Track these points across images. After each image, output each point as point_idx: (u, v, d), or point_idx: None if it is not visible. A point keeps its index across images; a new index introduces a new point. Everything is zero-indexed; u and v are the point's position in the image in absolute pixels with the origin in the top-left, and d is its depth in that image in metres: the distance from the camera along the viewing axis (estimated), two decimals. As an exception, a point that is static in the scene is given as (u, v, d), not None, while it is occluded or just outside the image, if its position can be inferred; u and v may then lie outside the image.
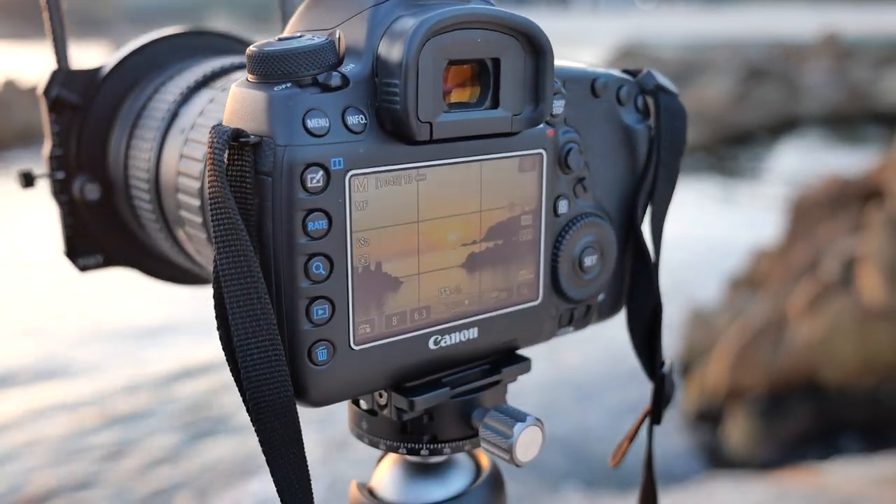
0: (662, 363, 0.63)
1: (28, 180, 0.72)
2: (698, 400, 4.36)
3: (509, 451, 0.51)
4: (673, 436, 4.26)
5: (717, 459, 4.04)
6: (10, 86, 13.62)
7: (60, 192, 0.70)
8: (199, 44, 0.75)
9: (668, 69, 14.62)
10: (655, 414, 0.63)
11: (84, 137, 0.71)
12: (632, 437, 0.64)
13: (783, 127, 13.62)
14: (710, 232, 7.73)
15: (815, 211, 5.48)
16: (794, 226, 5.49)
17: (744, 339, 4.35)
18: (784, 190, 8.47)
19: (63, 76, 0.70)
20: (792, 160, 11.53)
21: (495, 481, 0.60)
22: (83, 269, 0.73)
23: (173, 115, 0.65)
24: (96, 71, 0.71)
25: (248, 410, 0.44)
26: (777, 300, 4.57)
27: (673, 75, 13.93)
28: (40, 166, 0.74)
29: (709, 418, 4.31)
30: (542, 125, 0.53)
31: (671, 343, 4.98)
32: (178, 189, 0.62)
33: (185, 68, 0.71)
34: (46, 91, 0.69)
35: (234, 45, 0.77)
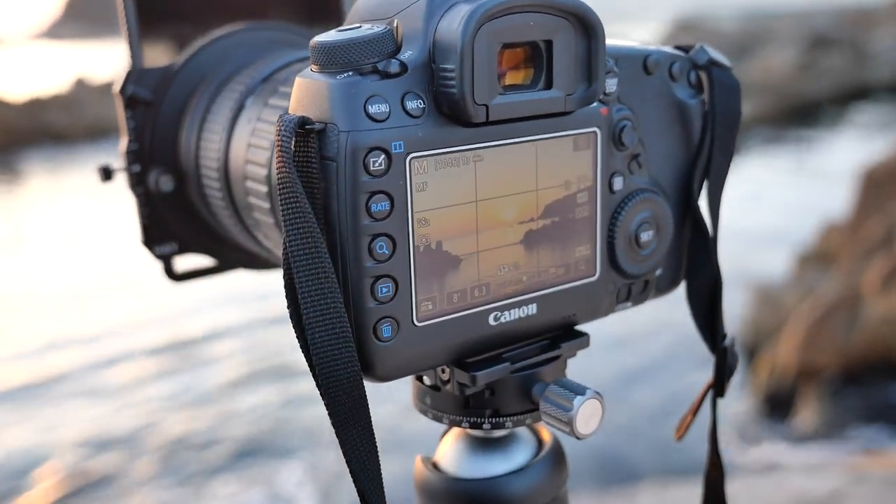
0: (724, 336, 0.63)
1: (107, 174, 0.76)
2: (767, 381, 4.28)
3: (570, 423, 0.53)
4: (742, 418, 4.20)
5: (789, 443, 3.97)
6: (81, 84, 14.04)
7: (137, 184, 0.74)
8: (264, 38, 0.78)
9: (729, 41, 14.35)
10: (718, 386, 0.63)
11: (157, 132, 0.74)
12: (696, 409, 0.64)
13: (852, 96, 13.26)
14: (776, 206, 7.58)
15: (887, 182, 5.33)
16: (864, 198, 5.35)
17: (815, 316, 4.26)
18: (853, 161, 8.27)
19: (137, 74, 0.73)
20: (862, 130, 11.22)
21: (557, 455, 0.61)
22: (160, 256, 0.77)
23: (240, 107, 0.68)
24: (167, 68, 0.74)
25: (317, 386, 0.46)
26: (850, 276, 4.46)
27: (735, 47, 13.74)
28: (111, 159, 0.78)
29: (779, 400, 4.23)
30: (595, 104, 0.54)
31: (736, 322, 4.91)
32: (247, 177, 0.64)
33: (250, 62, 0.73)
34: (122, 89, 0.73)
35: (297, 38, 0.79)
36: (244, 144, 0.65)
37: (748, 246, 6.39)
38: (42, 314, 5.88)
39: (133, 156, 0.73)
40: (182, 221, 0.76)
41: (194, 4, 0.79)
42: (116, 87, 0.73)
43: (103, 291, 6.18)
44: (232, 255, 0.79)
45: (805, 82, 12.82)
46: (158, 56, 0.76)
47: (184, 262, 0.79)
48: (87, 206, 8.33)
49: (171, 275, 0.78)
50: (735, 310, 4.97)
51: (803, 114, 12.07)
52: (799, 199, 7.94)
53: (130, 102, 0.73)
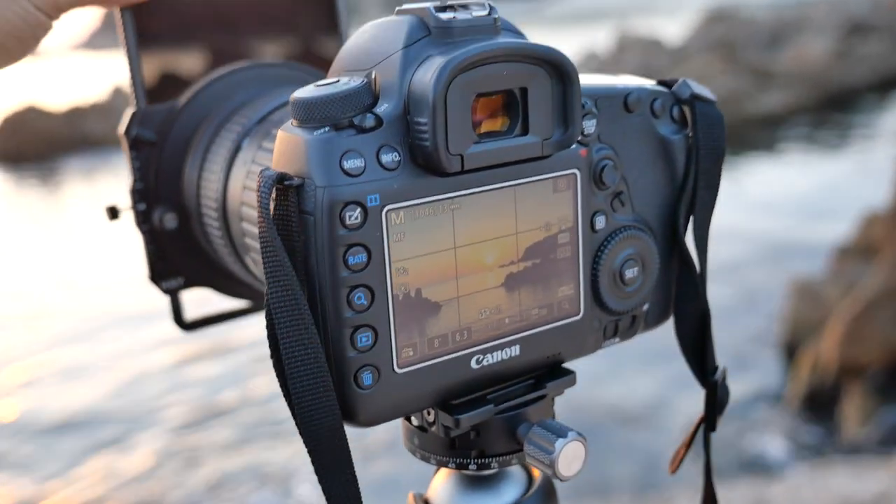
0: (715, 369, 0.63)
1: (113, 213, 0.77)
2: (809, 379, 4.20)
3: (552, 466, 0.53)
4: (783, 417, 4.15)
5: (832, 442, 3.90)
6: (118, 92, 14.26)
7: (143, 222, 0.76)
8: (265, 75, 0.79)
9: (762, 30, 14.16)
10: (710, 421, 0.63)
11: (161, 171, 0.76)
12: (688, 443, 0.65)
13: (891, 84, 13.01)
14: (814, 199, 7.47)
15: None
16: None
17: (857, 311, 4.17)
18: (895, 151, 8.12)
19: (141, 116, 0.75)
20: (901, 118, 11.01)
21: (547, 492, 0.62)
22: (166, 291, 0.78)
23: (237, 148, 0.70)
24: (171, 107, 0.76)
25: (300, 434, 0.48)
26: (892, 268, 4.36)
27: (768, 36, 13.52)
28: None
29: (821, 398, 4.15)
30: (574, 146, 0.54)
31: (775, 317, 4.85)
32: (242, 218, 0.66)
33: (250, 100, 0.75)
34: (126, 131, 0.74)
35: (300, 74, 0.81)
36: (240, 186, 0.67)
37: (785, 240, 6.31)
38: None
39: (138, 195, 0.75)
40: (187, 257, 0.77)
41: (197, 47, 0.80)
42: (121, 129, 0.75)
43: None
44: (237, 290, 0.80)
45: (842, 71, 12.61)
46: (163, 92, 0.78)
47: (193, 311, 0.81)
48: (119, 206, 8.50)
49: (182, 324, 0.81)
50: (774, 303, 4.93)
51: (841, 103, 11.87)
52: (836, 188, 7.81)
53: (135, 143, 0.74)
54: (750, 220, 6.90)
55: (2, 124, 12.95)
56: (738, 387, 4.31)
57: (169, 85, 0.78)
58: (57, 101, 13.91)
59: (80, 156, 12.26)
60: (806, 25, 14.36)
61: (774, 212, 7.12)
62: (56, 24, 0.64)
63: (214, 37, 0.81)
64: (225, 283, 0.80)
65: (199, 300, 0.85)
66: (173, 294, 0.79)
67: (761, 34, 14.13)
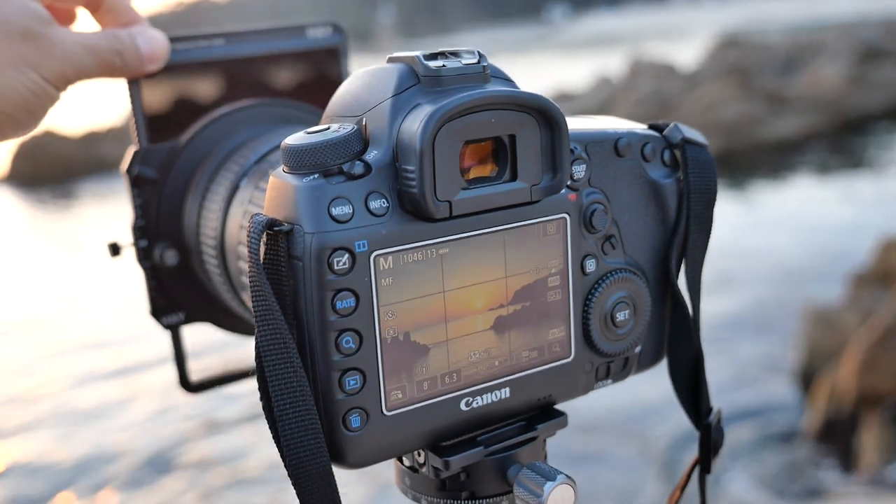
0: (709, 411, 0.63)
1: (115, 250, 0.78)
2: (826, 409, 4.16)
3: None
4: (799, 449, 4.11)
5: (849, 474, 3.85)
6: (132, 118, 14.38)
7: (144, 258, 0.77)
8: (266, 114, 0.80)
9: (776, 55, 14.15)
10: (704, 463, 0.63)
11: (162, 208, 0.77)
12: (683, 486, 0.65)
13: (906, 110, 12.95)
14: (830, 225, 7.43)
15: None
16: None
17: (874, 339, 4.12)
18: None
19: (142, 155, 0.76)
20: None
21: None
22: (167, 326, 0.79)
23: (235, 187, 0.71)
24: (172, 146, 0.77)
25: (289, 475, 0.48)
26: (911, 297, 4.31)
27: (782, 61, 13.51)
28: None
29: (838, 428, 4.10)
30: (563, 190, 0.55)
31: (791, 346, 4.82)
32: (239, 256, 0.67)
33: (250, 139, 0.76)
34: (128, 169, 0.76)
35: (301, 114, 0.82)
36: (237, 225, 0.68)
37: (801, 267, 6.28)
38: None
39: (140, 231, 0.76)
40: (188, 293, 0.78)
41: (200, 85, 0.81)
42: (123, 167, 0.76)
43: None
44: (236, 325, 0.81)
45: (856, 96, 12.58)
46: (166, 131, 0.79)
47: (198, 373, 0.82)
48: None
49: (188, 386, 0.81)
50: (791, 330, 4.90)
51: (855, 128, 11.83)
52: (854, 219, 7.78)
53: (136, 181, 0.76)
54: (763, 245, 6.87)
55: (19, 148, 13.10)
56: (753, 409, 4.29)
57: (172, 124, 0.79)
58: (73, 125, 14.06)
59: (95, 179, 12.37)
60: (820, 50, 14.35)
61: (788, 237, 7.09)
62: (63, 95, 0.66)
63: (218, 84, 0.82)
64: (224, 318, 0.80)
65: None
66: (174, 329, 0.80)
67: (775, 59, 14.12)
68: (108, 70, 0.68)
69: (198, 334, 0.91)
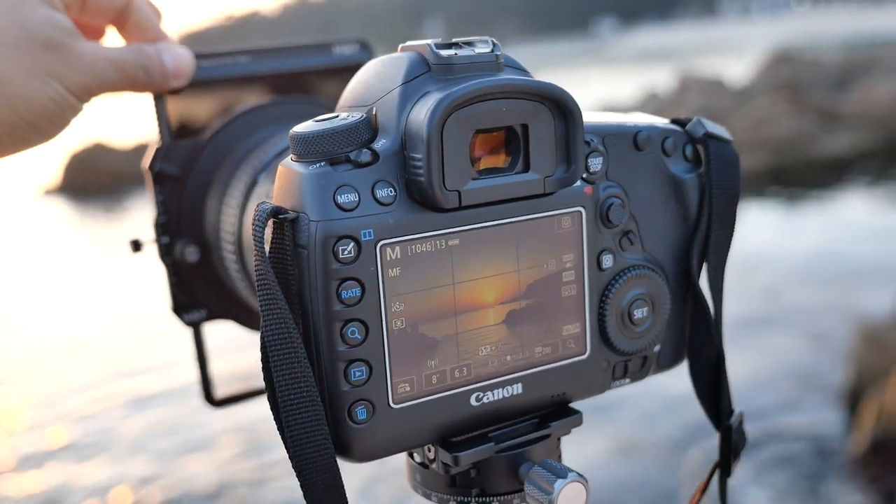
0: (730, 413, 0.61)
1: (136, 246, 0.79)
2: (874, 429, 4.06)
3: None
4: (844, 469, 4.01)
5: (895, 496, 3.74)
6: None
7: (165, 255, 0.77)
8: (287, 112, 0.80)
9: (829, 72, 13.92)
10: (725, 465, 0.61)
11: (184, 205, 0.77)
12: (703, 488, 0.63)
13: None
14: (883, 242, 7.27)
15: None
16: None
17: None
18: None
19: (165, 151, 0.76)
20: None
21: None
22: (189, 323, 0.79)
23: (254, 182, 0.71)
24: (195, 143, 0.77)
25: (293, 468, 0.47)
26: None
27: (835, 78, 13.29)
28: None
29: (888, 449, 4.00)
30: (579, 183, 0.54)
31: (839, 364, 4.72)
32: None
33: (270, 136, 0.76)
34: (151, 166, 0.76)
35: (324, 112, 0.81)
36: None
37: (851, 284, 6.15)
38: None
39: (161, 228, 0.76)
40: (209, 290, 0.78)
41: (223, 82, 0.82)
42: (145, 164, 0.76)
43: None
44: (256, 322, 0.81)
45: (911, 113, 12.30)
46: (190, 126, 0.79)
47: (224, 388, 0.82)
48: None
49: (212, 401, 0.81)
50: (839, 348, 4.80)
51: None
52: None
53: (158, 178, 0.76)
54: (814, 260, 6.76)
55: (70, 160, 13.40)
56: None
57: (194, 125, 0.79)
58: (123, 138, 14.32)
59: (144, 191, 12.59)
60: (873, 67, 14.07)
61: (839, 255, 6.95)
62: (86, 107, 0.67)
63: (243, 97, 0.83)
64: (245, 315, 0.80)
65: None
66: (195, 327, 0.80)
67: (828, 75, 13.88)
68: (133, 84, 0.68)
69: (220, 333, 0.91)
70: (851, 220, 8.31)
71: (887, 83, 12.96)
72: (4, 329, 6.59)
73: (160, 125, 0.77)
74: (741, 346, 4.89)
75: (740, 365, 4.57)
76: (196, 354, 0.82)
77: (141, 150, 13.74)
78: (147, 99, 0.76)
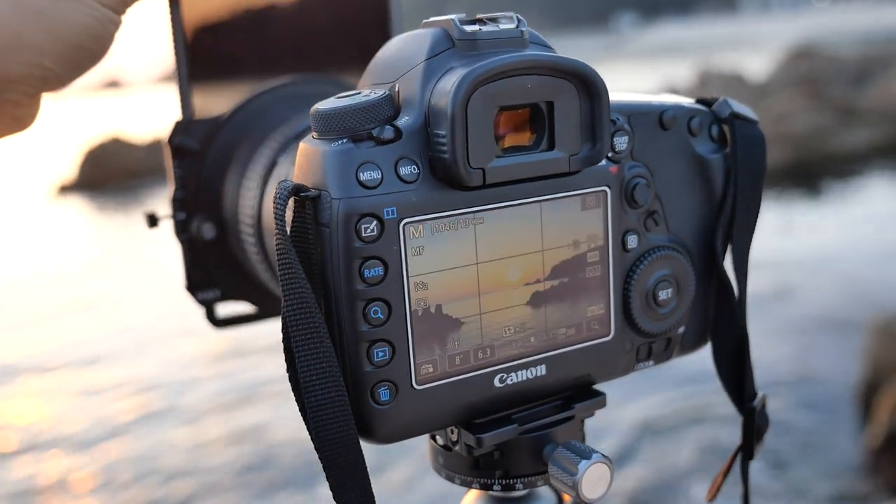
0: (754, 396, 0.61)
1: (153, 221, 0.79)
2: (888, 423, 4.04)
3: (575, 488, 0.52)
4: (857, 460, 3.99)
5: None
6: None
7: (181, 231, 0.76)
8: (309, 91, 0.80)
9: (847, 67, 13.81)
10: (747, 449, 0.61)
11: (202, 181, 0.77)
12: (726, 471, 0.62)
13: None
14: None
15: None
16: None
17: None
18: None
19: (185, 125, 0.76)
20: None
21: None
22: (202, 302, 0.79)
23: (273, 163, 0.70)
24: (215, 119, 0.77)
25: (315, 448, 0.47)
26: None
27: (853, 73, 13.19)
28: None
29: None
30: (604, 162, 0.53)
31: (855, 358, 4.69)
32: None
33: (291, 116, 0.75)
34: (170, 139, 0.76)
35: (343, 91, 0.81)
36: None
37: (867, 277, 6.11)
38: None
39: (179, 203, 0.76)
40: (224, 269, 0.78)
41: (247, 57, 0.81)
42: (165, 138, 0.76)
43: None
44: (272, 304, 0.80)
45: (931, 109, 12.18)
46: (210, 106, 0.79)
47: (225, 308, 0.81)
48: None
49: (213, 321, 0.80)
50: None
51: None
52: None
53: (178, 152, 0.75)
54: (833, 254, 6.71)
55: (86, 155, 13.38)
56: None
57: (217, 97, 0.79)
58: (140, 132, 14.33)
59: (161, 186, 12.61)
60: (893, 62, 13.93)
61: (857, 248, 6.90)
62: (125, 19, 0.66)
63: (263, 59, 0.82)
64: (260, 297, 0.80)
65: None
66: (209, 307, 0.80)
67: (847, 71, 13.78)
68: None
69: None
70: (870, 212, 8.25)
71: (907, 78, 12.83)
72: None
73: (182, 96, 0.76)
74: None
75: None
76: (206, 315, 0.81)
77: (158, 145, 13.78)
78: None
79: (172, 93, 0.78)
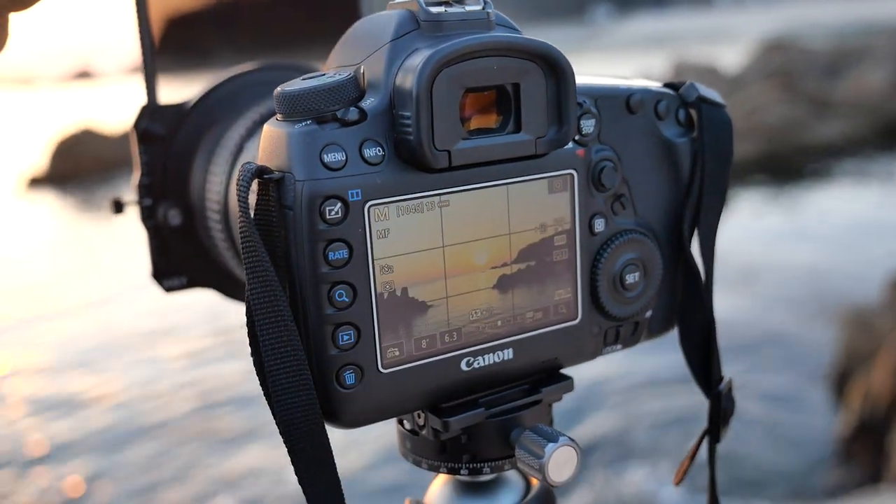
0: (720, 380, 0.61)
1: (118, 207, 0.78)
2: (860, 410, 4.09)
3: (541, 470, 0.52)
4: (830, 448, 4.04)
5: (881, 475, 3.77)
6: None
7: (147, 217, 0.76)
8: (275, 78, 0.79)
9: (820, 60, 13.92)
10: (714, 432, 0.61)
11: (169, 167, 0.76)
12: (692, 455, 0.62)
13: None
14: (868, 229, 7.30)
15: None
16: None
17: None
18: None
19: (151, 111, 0.75)
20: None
21: (544, 499, 0.60)
22: (168, 289, 0.78)
23: (239, 149, 0.70)
24: (181, 105, 0.76)
25: (280, 433, 0.47)
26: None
27: (826, 66, 13.30)
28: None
29: (872, 430, 4.03)
30: (571, 145, 0.53)
31: (829, 347, 4.75)
32: None
33: (257, 102, 0.75)
34: (136, 124, 0.75)
35: None
36: None
37: (840, 270, 6.18)
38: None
39: (144, 189, 0.75)
40: (190, 256, 0.77)
41: (212, 44, 0.81)
42: (131, 123, 0.75)
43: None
44: (238, 291, 0.80)
45: (901, 101, 12.31)
46: (175, 92, 0.78)
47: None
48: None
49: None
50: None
51: (898, 135, 11.58)
52: (892, 219, 7.63)
53: (144, 137, 0.75)
54: (802, 247, 6.78)
55: (58, 146, 13.21)
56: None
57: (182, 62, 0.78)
58: (111, 123, 14.16)
59: (131, 175, 12.47)
60: (865, 55, 14.06)
61: (827, 240, 6.98)
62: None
63: (229, 44, 0.82)
64: (227, 284, 0.79)
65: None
66: (174, 292, 0.79)
67: (820, 63, 13.88)
68: None
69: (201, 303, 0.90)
70: (841, 204, 8.33)
71: (878, 71, 12.96)
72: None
73: (147, 83, 0.75)
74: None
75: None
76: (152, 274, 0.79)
77: (130, 136, 13.62)
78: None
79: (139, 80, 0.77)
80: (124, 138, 13.33)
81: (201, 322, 5.65)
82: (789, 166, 10.10)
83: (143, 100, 0.76)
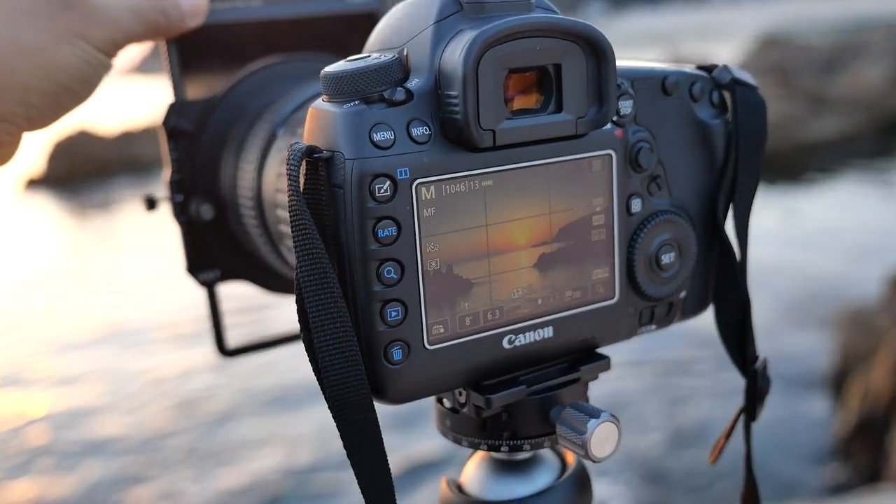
0: (755, 359, 0.62)
1: (151, 204, 0.79)
2: (859, 409, 4.10)
3: (584, 447, 0.52)
4: (829, 446, 4.06)
5: (880, 474, 3.78)
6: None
7: (180, 213, 0.76)
8: (300, 69, 0.80)
9: (817, 56, 13.95)
10: (750, 410, 0.62)
11: (199, 162, 0.77)
12: (728, 434, 0.63)
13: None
14: (866, 227, 7.31)
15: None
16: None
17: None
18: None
19: (178, 107, 0.76)
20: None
21: (580, 478, 0.61)
22: (203, 283, 0.79)
23: (272, 137, 0.70)
24: (208, 100, 0.77)
25: (329, 408, 0.47)
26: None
27: (823, 62, 13.32)
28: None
29: (871, 428, 4.04)
30: (609, 126, 0.54)
31: (826, 347, 4.76)
32: (277, 205, 0.66)
33: (285, 93, 0.75)
34: (165, 122, 0.76)
35: None
36: (275, 173, 0.67)
37: (837, 268, 6.19)
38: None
39: (176, 186, 0.76)
40: (224, 249, 0.78)
41: (235, 39, 0.81)
42: (160, 121, 0.76)
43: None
44: (272, 282, 0.81)
45: (898, 97, 12.34)
46: (201, 88, 0.79)
47: (236, 338, 0.82)
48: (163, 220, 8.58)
49: (224, 351, 0.81)
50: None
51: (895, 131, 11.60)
52: (890, 217, 7.65)
53: (173, 134, 0.76)
54: (800, 245, 6.79)
55: (54, 148, 13.13)
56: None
57: (207, 79, 0.79)
58: (108, 125, 14.14)
59: (130, 179, 12.46)
60: (862, 51, 14.09)
61: (826, 238, 6.99)
62: (115, 62, 0.66)
63: (254, 47, 0.82)
64: (261, 275, 0.80)
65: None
66: (210, 286, 0.80)
67: (817, 60, 13.91)
68: (155, 30, 0.67)
69: (235, 297, 0.91)
70: (839, 201, 8.35)
71: (875, 67, 12.99)
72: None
73: (173, 82, 0.77)
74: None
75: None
76: (210, 313, 0.81)
77: (128, 137, 13.63)
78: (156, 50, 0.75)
79: (147, 83, 0.78)
80: (121, 140, 13.34)
81: (204, 319, 5.62)
82: (786, 163, 10.12)
83: (169, 97, 0.77)
